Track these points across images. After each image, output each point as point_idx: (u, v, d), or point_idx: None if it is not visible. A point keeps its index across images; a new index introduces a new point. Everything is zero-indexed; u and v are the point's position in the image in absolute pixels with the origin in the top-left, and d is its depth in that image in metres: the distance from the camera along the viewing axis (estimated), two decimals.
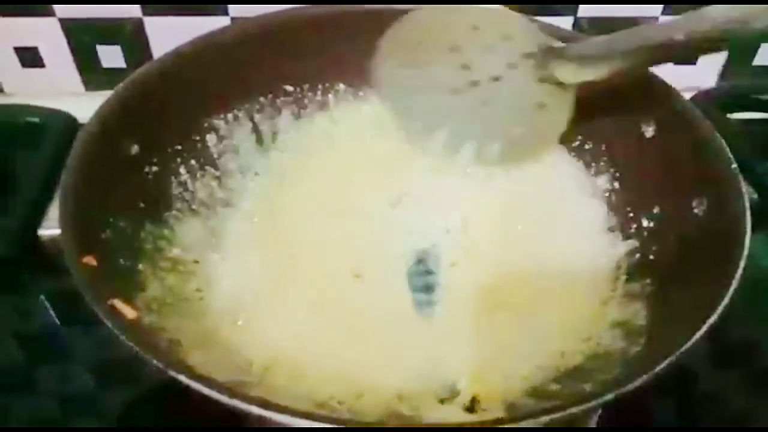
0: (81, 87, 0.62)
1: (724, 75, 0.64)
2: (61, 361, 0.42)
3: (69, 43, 0.59)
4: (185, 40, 0.57)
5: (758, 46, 0.62)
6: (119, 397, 0.40)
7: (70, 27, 0.58)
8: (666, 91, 0.42)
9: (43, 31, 0.58)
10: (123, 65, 0.60)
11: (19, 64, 0.60)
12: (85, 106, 0.60)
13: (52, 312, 0.44)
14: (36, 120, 0.41)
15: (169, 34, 0.58)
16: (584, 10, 0.59)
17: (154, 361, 0.25)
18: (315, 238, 0.41)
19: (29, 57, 0.59)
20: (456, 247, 0.43)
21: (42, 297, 0.46)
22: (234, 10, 0.57)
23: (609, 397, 0.27)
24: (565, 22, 0.59)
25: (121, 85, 0.40)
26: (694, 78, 0.63)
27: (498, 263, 0.41)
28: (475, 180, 0.45)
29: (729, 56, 0.63)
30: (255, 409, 0.24)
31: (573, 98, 0.41)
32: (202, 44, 0.43)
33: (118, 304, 0.29)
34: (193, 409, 0.34)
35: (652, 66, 0.39)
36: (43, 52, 0.59)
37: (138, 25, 0.58)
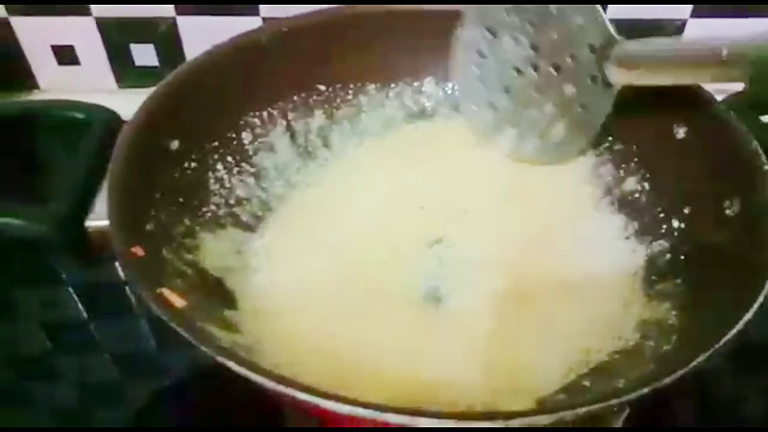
0: (114, 84, 0.63)
1: None
2: (86, 352, 0.44)
3: (104, 41, 0.60)
4: (217, 39, 0.59)
5: None
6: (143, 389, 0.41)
7: (105, 26, 0.59)
8: (697, 92, 0.42)
9: (80, 30, 0.59)
10: (156, 63, 0.61)
11: (55, 62, 0.61)
12: (118, 103, 0.62)
13: (80, 305, 0.46)
14: (81, 116, 0.42)
15: (201, 33, 0.59)
16: (613, 12, 0.59)
17: (204, 348, 0.26)
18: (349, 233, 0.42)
19: (65, 55, 0.61)
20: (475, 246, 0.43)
21: (70, 289, 0.48)
22: (264, 10, 0.58)
23: (642, 391, 0.27)
24: None
25: (162, 81, 0.41)
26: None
27: (520, 265, 0.42)
28: (496, 180, 0.45)
29: None
30: (305, 396, 0.24)
31: (612, 102, 0.41)
32: (239, 43, 0.45)
33: (167, 292, 0.30)
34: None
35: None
36: (79, 51, 0.61)
37: (171, 25, 0.59)
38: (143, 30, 0.59)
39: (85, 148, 0.38)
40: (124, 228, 0.32)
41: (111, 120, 0.40)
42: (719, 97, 0.53)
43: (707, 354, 0.28)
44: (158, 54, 0.61)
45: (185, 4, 0.58)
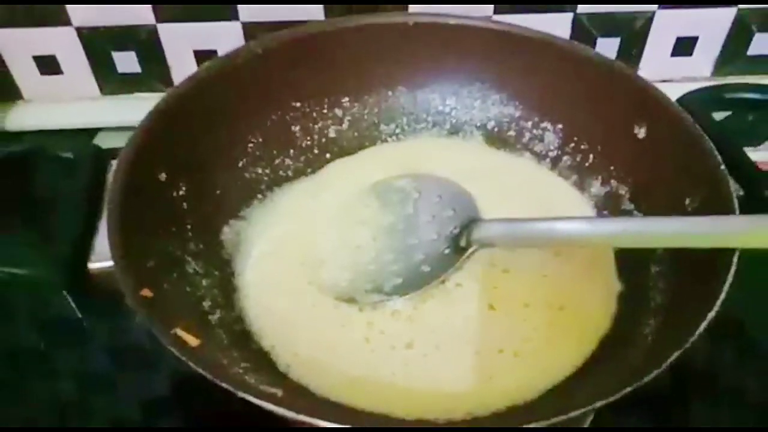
0: (98, 92, 0.64)
1: (718, 65, 0.66)
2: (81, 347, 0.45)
3: (85, 50, 0.61)
4: (198, 45, 0.61)
5: (752, 38, 0.64)
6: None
7: (85, 35, 0.60)
8: (655, 93, 0.45)
9: (60, 40, 0.60)
10: (138, 70, 0.63)
11: (37, 72, 0.62)
12: (101, 109, 0.63)
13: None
14: (69, 155, 0.43)
15: (182, 39, 0.61)
16: (584, 7, 0.60)
17: (224, 385, 0.29)
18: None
19: (48, 64, 0.62)
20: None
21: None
22: (244, 14, 0.59)
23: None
24: (564, 19, 0.61)
25: (145, 115, 0.42)
26: (690, 68, 0.66)
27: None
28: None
29: (723, 47, 0.64)
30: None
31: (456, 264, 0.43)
32: (215, 69, 0.46)
33: (181, 332, 0.32)
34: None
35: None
36: (61, 60, 0.62)
37: (152, 32, 0.60)
38: (124, 37, 0.60)
39: (76, 187, 0.39)
40: (131, 271, 0.33)
41: (96, 155, 0.41)
42: (683, 86, 0.56)
43: (676, 354, 0.31)
44: (140, 61, 0.62)
45: (164, 3, 0.58)
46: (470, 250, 0.42)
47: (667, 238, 0.37)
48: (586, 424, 0.39)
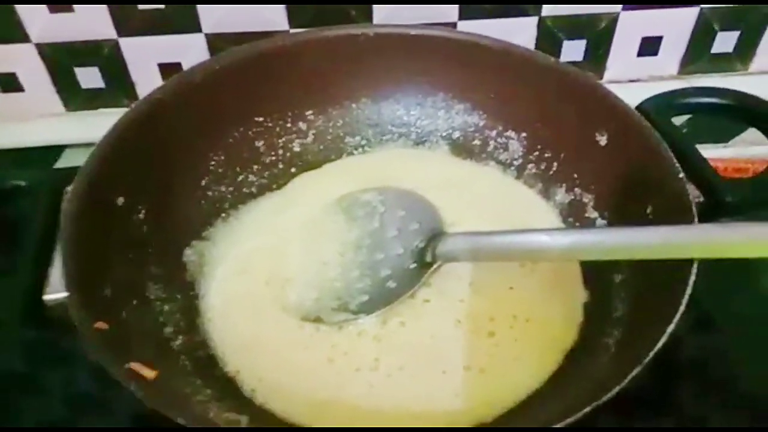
0: (62, 108, 0.63)
1: (684, 64, 0.66)
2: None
3: (47, 66, 0.60)
4: (161, 58, 0.60)
5: (715, 36, 0.64)
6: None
7: (46, 51, 0.59)
8: (616, 102, 0.45)
9: (20, 57, 0.59)
10: (102, 85, 0.62)
11: None
12: (67, 126, 0.63)
13: None
14: (21, 183, 0.42)
15: (146, 52, 0.60)
16: (548, 10, 0.60)
17: (179, 420, 0.28)
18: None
19: (8, 82, 0.61)
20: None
21: None
22: (207, 25, 0.58)
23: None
24: (530, 23, 0.61)
25: (98, 142, 0.41)
26: (656, 67, 0.67)
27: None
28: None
29: (688, 45, 0.65)
30: None
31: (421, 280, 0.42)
32: (170, 89, 0.45)
33: (136, 366, 0.32)
34: None
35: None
36: (21, 77, 0.61)
37: (114, 47, 0.59)
38: (86, 53, 0.59)
39: (31, 217, 0.39)
40: (85, 302, 0.33)
41: (53, 183, 0.40)
42: (651, 85, 0.56)
43: (644, 361, 0.32)
44: (103, 76, 0.61)
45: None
46: (435, 266, 0.42)
47: (624, 249, 0.37)
48: None
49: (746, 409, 0.43)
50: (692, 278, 0.35)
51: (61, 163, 0.62)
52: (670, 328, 0.33)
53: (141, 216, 0.42)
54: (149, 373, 0.32)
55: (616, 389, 0.31)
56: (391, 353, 0.40)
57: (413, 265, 0.43)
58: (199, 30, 0.59)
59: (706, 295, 0.45)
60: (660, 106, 0.45)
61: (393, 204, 0.47)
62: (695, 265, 0.35)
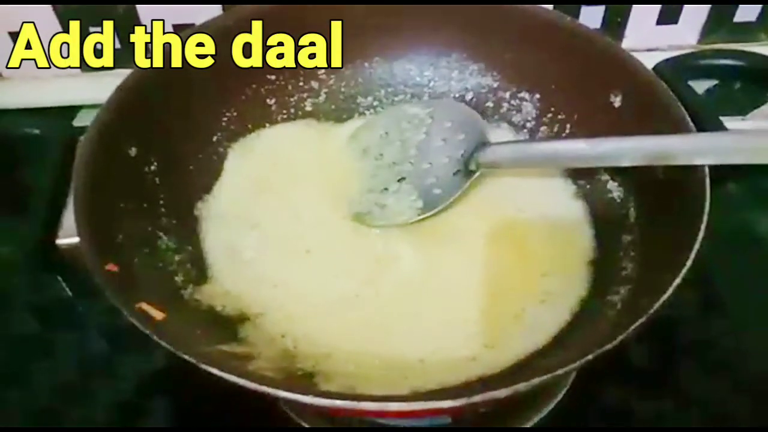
0: (77, 68, 0.63)
1: (704, 33, 0.65)
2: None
3: (62, 26, 0.60)
4: (176, 19, 0.60)
5: (737, 5, 0.63)
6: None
7: (61, 11, 0.59)
8: (631, 62, 0.44)
9: (36, 17, 0.59)
10: (118, 46, 0.62)
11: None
12: (82, 87, 0.63)
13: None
14: (36, 131, 0.42)
15: (159, 13, 0.60)
16: None
17: (187, 357, 0.29)
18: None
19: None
20: None
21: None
22: None
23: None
24: None
25: (113, 92, 0.41)
26: (676, 36, 0.65)
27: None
28: None
29: (709, 14, 0.63)
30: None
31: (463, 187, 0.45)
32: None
33: (146, 307, 0.32)
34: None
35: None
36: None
37: (130, 7, 0.59)
38: (102, 13, 0.59)
39: (45, 164, 0.39)
40: (96, 246, 0.33)
41: (66, 132, 0.40)
42: (668, 54, 0.56)
43: (653, 309, 0.32)
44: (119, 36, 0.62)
45: None
46: (477, 173, 0.44)
47: (657, 154, 0.38)
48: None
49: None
50: (701, 234, 0.35)
51: (76, 122, 0.62)
52: (677, 281, 0.33)
53: (153, 168, 0.42)
54: (158, 314, 0.33)
55: (621, 337, 0.31)
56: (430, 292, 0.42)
57: (457, 173, 0.45)
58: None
59: (717, 275, 0.46)
60: (677, 68, 0.45)
61: (440, 116, 0.48)
62: (704, 225, 0.35)
